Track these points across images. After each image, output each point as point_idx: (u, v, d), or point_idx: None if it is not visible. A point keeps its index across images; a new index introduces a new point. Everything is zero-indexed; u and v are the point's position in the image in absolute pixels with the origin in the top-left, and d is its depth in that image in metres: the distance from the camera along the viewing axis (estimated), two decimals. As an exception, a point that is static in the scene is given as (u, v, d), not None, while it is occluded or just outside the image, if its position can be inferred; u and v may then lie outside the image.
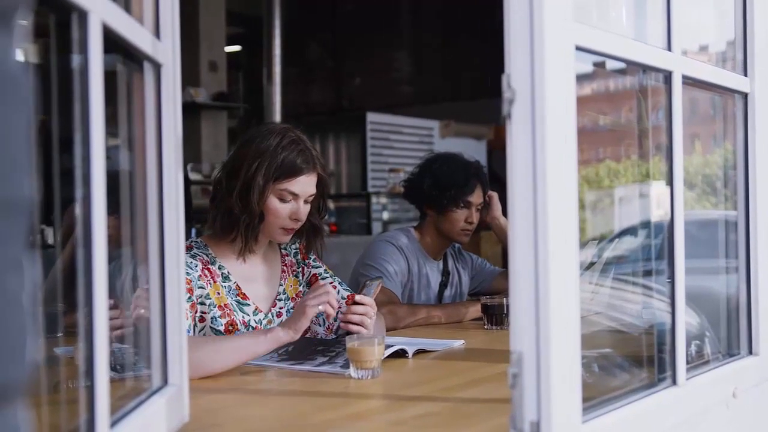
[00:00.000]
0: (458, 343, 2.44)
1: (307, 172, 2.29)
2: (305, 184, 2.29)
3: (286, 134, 2.29)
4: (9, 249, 0.60)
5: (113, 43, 1.16)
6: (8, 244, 0.60)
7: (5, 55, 0.60)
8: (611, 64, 1.61)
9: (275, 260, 2.46)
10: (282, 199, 2.27)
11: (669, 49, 1.58)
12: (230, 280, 2.31)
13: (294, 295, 2.45)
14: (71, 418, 1.19)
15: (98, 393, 1.05)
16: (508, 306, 2.75)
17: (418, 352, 2.26)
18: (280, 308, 2.40)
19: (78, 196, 1.06)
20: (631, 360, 1.76)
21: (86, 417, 1.05)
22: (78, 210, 1.05)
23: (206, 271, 2.25)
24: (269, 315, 2.36)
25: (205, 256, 2.28)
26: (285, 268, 2.47)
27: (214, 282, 2.27)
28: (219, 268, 2.30)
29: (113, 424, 1.13)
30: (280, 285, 2.43)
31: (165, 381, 1.43)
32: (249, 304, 2.32)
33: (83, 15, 1.03)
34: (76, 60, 1.06)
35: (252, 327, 2.30)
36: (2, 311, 0.59)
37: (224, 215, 2.29)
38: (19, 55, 0.62)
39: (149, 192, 1.40)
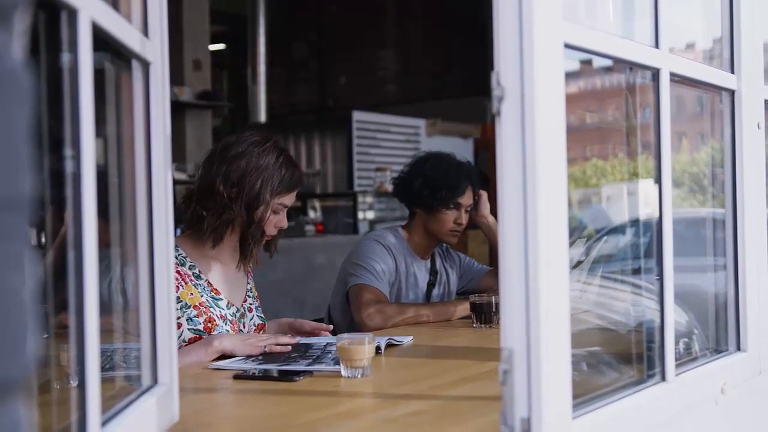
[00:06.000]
0: (407, 339, 2.47)
1: (301, 186, 2.46)
2: (294, 197, 2.47)
3: (281, 151, 2.42)
4: (11, 246, 0.60)
5: (101, 41, 1.15)
6: (11, 240, 0.60)
7: (5, 53, 0.60)
8: (598, 62, 1.62)
9: (249, 264, 2.55)
10: (275, 212, 2.40)
11: (656, 46, 1.59)
12: (202, 279, 2.39)
13: (256, 296, 2.60)
14: (60, 418, 1.18)
15: (89, 393, 1.04)
16: (496, 304, 2.77)
17: (389, 346, 2.32)
18: (250, 304, 2.54)
19: (67, 195, 1.05)
20: (620, 357, 1.77)
21: (77, 416, 1.04)
22: (67, 210, 1.05)
23: (176, 274, 2.28)
24: (241, 309, 2.48)
25: (174, 254, 2.32)
26: (249, 270, 2.59)
27: (186, 283, 2.34)
28: (189, 268, 2.38)
29: (104, 423, 1.13)
30: (248, 283, 2.56)
31: (155, 380, 1.42)
32: (222, 299, 2.41)
33: (73, 13, 1.03)
34: (65, 58, 1.05)
35: (229, 320, 2.39)
36: (5, 307, 0.59)
37: (224, 225, 2.35)
38: (19, 53, 0.62)
39: (138, 192, 1.40)
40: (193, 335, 2.29)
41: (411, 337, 2.49)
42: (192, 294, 2.33)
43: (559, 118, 1.26)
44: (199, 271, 2.39)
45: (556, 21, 1.25)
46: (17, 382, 0.61)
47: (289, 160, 2.43)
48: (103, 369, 1.14)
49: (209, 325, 2.32)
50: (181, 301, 2.29)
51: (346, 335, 2.03)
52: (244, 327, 2.45)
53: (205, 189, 2.36)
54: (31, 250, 0.64)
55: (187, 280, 2.34)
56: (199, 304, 2.33)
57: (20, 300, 0.61)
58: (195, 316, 2.31)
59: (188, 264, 2.37)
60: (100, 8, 1.12)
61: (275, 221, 2.41)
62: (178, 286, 2.28)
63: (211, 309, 2.35)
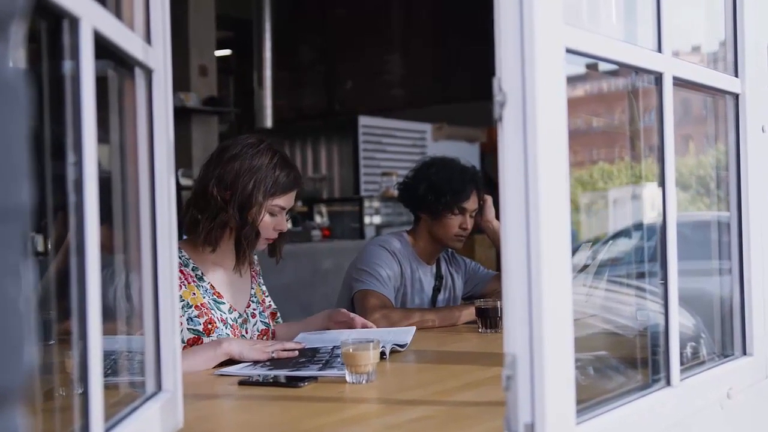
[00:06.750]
0: (411, 331, 2.52)
1: (297, 188, 2.44)
2: (292, 199, 2.45)
3: (275, 152, 2.41)
4: (8, 255, 0.61)
5: (104, 48, 1.16)
6: (7, 250, 0.60)
7: (2, 62, 0.60)
8: (604, 66, 1.61)
9: (245, 266, 2.54)
10: (271, 214, 2.40)
11: (659, 50, 1.58)
12: (205, 281, 2.39)
13: (260, 300, 2.58)
14: (65, 425, 1.18)
15: (92, 400, 1.04)
16: (502, 309, 2.76)
17: (393, 352, 2.32)
18: (253, 310, 2.52)
19: (70, 203, 1.05)
20: (626, 361, 1.76)
21: (80, 423, 1.04)
22: (70, 217, 1.05)
23: (179, 273, 2.29)
24: (244, 314, 2.47)
25: (177, 260, 2.33)
26: (254, 274, 2.59)
27: (189, 283, 2.35)
28: (193, 270, 2.38)
29: (107, 430, 1.13)
30: (252, 288, 2.55)
31: (159, 387, 1.42)
32: (224, 303, 2.41)
33: (74, 21, 1.03)
34: (67, 66, 1.05)
35: (229, 324, 2.39)
36: (1, 316, 0.60)
37: (219, 227, 2.36)
38: (16, 62, 0.63)
39: (141, 198, 1.40)
40: (192, 335, 2.29)
41: (413, 328, 2.53)
42: (194, 294, 2.34)
43: (561, 123, 1.26)
44: (202, 274, 2.39)
45: (557, 25, 1.25)
46: (15, 390, 0.61)
47: (284, 161, 2.41)
48: (105, 374, 1.14)
49: (209, 326, 2.32)
50: (183, 300, 2.30)
51: (350, 341, 2.03)
52: (246, 332, 2.45)
53: (200, 192, 2.38)
54: (29, 259, 0.65)
55: (190, 280, 2.35)
56: (201, 304, 2.33)
57: (17, 309, 0.62)
58: (196, 317, 2.31)
59: (191, 265, 2.38)
60: (102, 16, 1.13)
61: (273, 224, 2.40)
62: (180, 285, 2.28)
63: (212, 311, 2.35)
